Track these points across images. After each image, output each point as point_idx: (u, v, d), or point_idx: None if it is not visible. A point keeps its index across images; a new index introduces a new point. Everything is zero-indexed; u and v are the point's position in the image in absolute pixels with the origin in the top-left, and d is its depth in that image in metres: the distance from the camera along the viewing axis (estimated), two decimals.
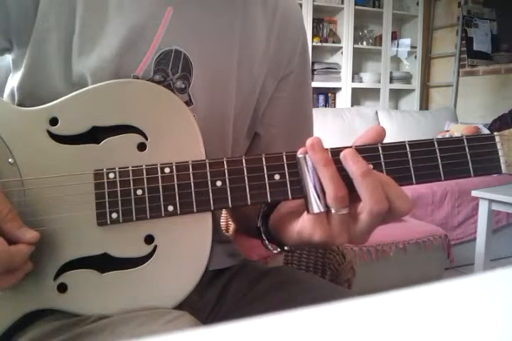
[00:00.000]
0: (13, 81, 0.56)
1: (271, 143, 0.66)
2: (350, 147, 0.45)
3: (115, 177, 0.47)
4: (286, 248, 0.54)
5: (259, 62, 0.61)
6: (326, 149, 0.45)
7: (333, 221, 0.44)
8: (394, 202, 0.43)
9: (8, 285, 0.43)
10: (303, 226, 0.46)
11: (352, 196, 0.44)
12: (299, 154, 0.45)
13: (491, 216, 1.89)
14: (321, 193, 0.44)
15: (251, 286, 0.63)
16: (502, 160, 0.47)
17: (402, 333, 0.18)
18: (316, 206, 0.44)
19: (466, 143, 0.47)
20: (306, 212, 0.45)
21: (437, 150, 0.46)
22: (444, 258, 1.96)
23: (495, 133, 0.47)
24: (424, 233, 1.91)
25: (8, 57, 0.57)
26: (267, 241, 0.55)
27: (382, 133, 0.47)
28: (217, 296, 0.64)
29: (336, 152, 0.45)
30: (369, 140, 0.46)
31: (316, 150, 0.44)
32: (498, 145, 0.47)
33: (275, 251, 0.55)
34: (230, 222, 1.31)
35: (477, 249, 1.92)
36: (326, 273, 0.79)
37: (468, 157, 0.46)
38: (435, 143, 0.46)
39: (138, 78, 0.53)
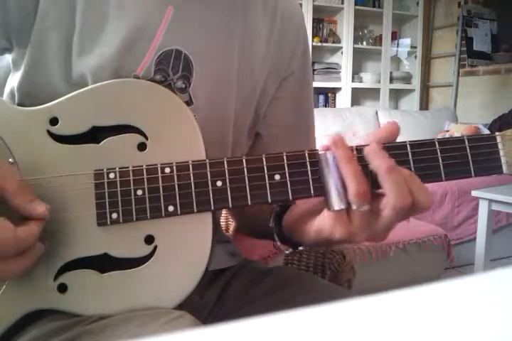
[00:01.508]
0: (13, 81, 0.56)
1: (272, 143, 0.66)
2: (365, 145, 0.45)
3: (115, 178, 0.47)
4: (300, 248, 0.54)
5: (259, 62, 0.61)
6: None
7: (354, 218, 0.44)
8: (417, 197, 0.43)
9: (21, 269, 0.42)
10: (323, 224, 0.46)
11: (372, 193, 0.44)
12: (321, 151, 0.46)
13: (491, 216, 1.89)
14: (343, 190, 0.44)
15: (251, 286, 0.63)
16: (503, 161, 0.46)
17: (402, 333, 0.18)
18: (338, 203, 0.44)
19: (467, 143, 0.46)
20: (326, 210, 0.45)
21: (438, 151, 0.46)
22: (444, 258, 1.96)
23: (496, 134, 0.47)
24: (424, 233, 1.91)
25: (8, 57, 0.57)
26: (278, 242, 0.55)
27: (396, 131, 0.46)
28: (217, 296, 0.64)
29: (357, 150, 0.45)
30: (384, 138, 0.46)
31: (339, 146, 0.44)
32: (500, 146, 0.47)
33: (286, 252, 0.55)
34: (230, 222, 1.31)
35: (477, 249, 1.92)
36: (326, 273, 0.79)
37: (470, 157, 0.46)
38: (436, 143, 0.46)
39: (138, 78, 0.53)
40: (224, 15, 0.58)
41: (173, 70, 0.55)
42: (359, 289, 0.64)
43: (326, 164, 0.45)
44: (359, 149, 0.45)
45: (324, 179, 0.45)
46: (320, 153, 0.46)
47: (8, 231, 0.40)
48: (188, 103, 0.55)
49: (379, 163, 0.43)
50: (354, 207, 0.44)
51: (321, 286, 0.63)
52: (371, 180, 0.44)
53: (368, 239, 0.46)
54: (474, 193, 1.92)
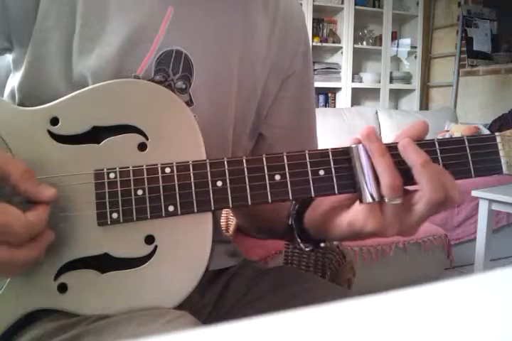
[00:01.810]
0: (14, 81, 0.56)
1: (275, 143, 0.66)
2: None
3: (116, 177, 0.47)
4: (322, 244, 0.55)
5: (260, 62, 0.61)
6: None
7: (386, 211, 0.45)
8: (449, 192, 0.43)
9: (33, 256, 0.42)
10: (355, 217, 0.46)
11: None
12: (353, 144, 0.46)
13: (491, 216, 1.89)
14: (375, 183, 0.44)
15: (251, 286, 0.63)
16: (503, 161, 0.46)
17: (402, 333, 0.18)
18: (370, 196, 0.44)
19: (467, 144, 0.47)
20: (357, 203, 0.46)
21: (438, 151, 0.46)
22: (444, 258, 1.96)
23: (496, 134, 0.47)
24: (424, 233, 1.91)
25: (9, 57, 0.57)
26: (299, 239, 0.55)
27: (426, 130, 0.47)
28: (217, 296, 0.64)
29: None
30: (415, 136, 0.46)
31: (372, 139, 0.45)
32: (499, 146, 0.47)
33: (307, 249, 0.55)
34: (230, 222, 1.31)
35: (477, 249, 1.92)
36: (326, 273, 0.79)
37: (469, 157, 0.46)
38: (436, 143, 0.46)
39: (139, 78, 0.53)
40: (224, 16, 0.58)
41: (173, 71, 0.55)
42: (359, 289, 0.64)
43: (358, 157, 0.45)
44: (389, 146, 0.46)
45: (356, 172, 0.45)
46: (352, 146, 0.46)
47: (18, 216, 0.39)
48: (189, 103, 0.55)
49: (415, 156, 0.44)
50: (387, 200, 0.44)
51: (321, 286, 0.63)
52: (402, 175, 0.45)
53: (399, 233, 0.46)
54: (474, 193, 1.91)
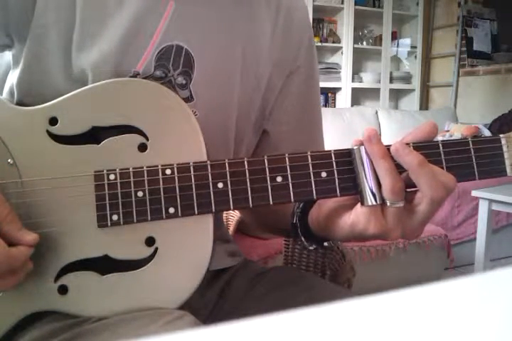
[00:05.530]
0: (13, 77, 0.55)
1: (280, 140, 0.66)
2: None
3: (116, 179, 0.46)
4: (325, 244, 0.55)
5: (263, 58, 0.61)
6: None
7: (388, 214, 0.44)
8: (450, 189, 0.44)
9: (10, 285, 0.43)
10: (356, 219, 0.46)
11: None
12: (354, 146, 0.45)
13: (490, 216, 1.89)
14: (376, 185, 0.44)
15: (251, 286, 0.63)
16: (507, 163, 0.46)
17: (402, 333, 0.18)
18: (371, 198, 0.44)
19: (471, 146, 0.46)
20: (359, 205, 0.45)
21: (442, 153, 0.46)
22: (444, 258, 1.96)
23: (501, 136, 0.46)
24: (424, 233, 1.88)
25: (9, 55, 0.56)
26: (303, 238, 0.55)
27: (431, 133, 0.46)
28: (218, 296, 0.64)
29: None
30: (423, 137, 0.46)
31: (373, 142, 0.44)
32: (504, 148, 0.46)
33: (311, 248, 0.55)
34: (230, 222, 1.30)
35: (477, 249, 1.92)
36: (326, 273, 0.79)
37: (474, 159, 0.46)
38: (440, 145, 0.46)
39: (138, 74, 0.53)
40: (226, 10, 0.58)
41: (173, 66, 0.54)
42: (359, 289, 0.64)
43: (359, 159, 0.45)
44: (390, 149, 0.45)
45: (357, 174, 0.45)
46: (354, 147, 0.45)
47: (2, 250, 0.40)
48: (189, 99, 0.55)
49: (410, 158, 0.43)
50: (388, 203, 0.44)
51: (321, 286, 0.63)
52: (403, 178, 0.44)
53: (403, 237, 0.46)
54: (474, 193, 1.91)
